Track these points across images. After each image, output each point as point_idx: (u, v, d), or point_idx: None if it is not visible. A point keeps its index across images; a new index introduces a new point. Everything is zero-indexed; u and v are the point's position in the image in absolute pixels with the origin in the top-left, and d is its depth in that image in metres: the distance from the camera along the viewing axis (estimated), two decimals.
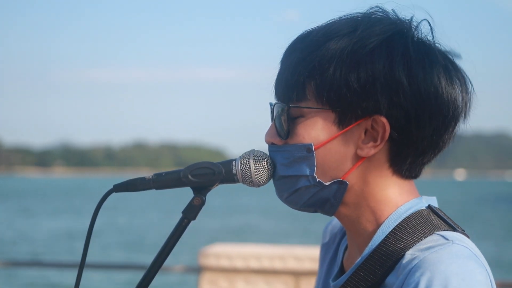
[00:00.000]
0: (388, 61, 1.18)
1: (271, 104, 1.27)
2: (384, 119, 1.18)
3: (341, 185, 1.21)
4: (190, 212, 1.27)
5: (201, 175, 1.26)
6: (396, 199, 1.23)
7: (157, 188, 1.29)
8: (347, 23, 1.23)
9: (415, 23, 1.24)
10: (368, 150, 1.20)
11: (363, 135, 1.20)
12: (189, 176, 1.26)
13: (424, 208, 1.23)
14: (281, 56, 1.27)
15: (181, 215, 1.27)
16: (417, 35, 1.23)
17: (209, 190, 1.28)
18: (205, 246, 5.12)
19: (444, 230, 1.19)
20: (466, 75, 1.24)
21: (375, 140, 1.20)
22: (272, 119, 1.27)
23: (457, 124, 1.24)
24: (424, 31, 1.24)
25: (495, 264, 18.27)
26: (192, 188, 1.28)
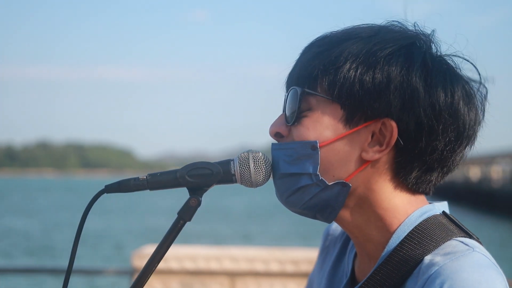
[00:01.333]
0: (406, 66, 1.18)
1: (285, 95, 1.26)
2: (393, 123, 1.17)
3: (343, 187, 1.19)
4: (186, 213, 1.25)
5: (198, 176, 1.24)
6: (405, 207, 1.21)
7: (151, 189, 1.26)
8: (368, 28, 1.24)
9: (438, 40, 1.24)
10: (373, 154, 1.19)
11: (369, 138, 1.19)
12: (186, 177, 1.24)
13: (439, 213, 1.23)
14: (298, 55, 1.26)
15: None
16: (437, 50, 1.23)
17: (205, 190, 1.25)
18: (138, 247, 5.01)
19: (461, 236, 1.18)
20: (483, 104, 1.24)
21: (380, 145, 1.19)
22: (284, 109, 1.25)
23: (469, 146, 1.23)
24: (448, 51, 1.24)
25: None
26: (188, 188, 1.25)
